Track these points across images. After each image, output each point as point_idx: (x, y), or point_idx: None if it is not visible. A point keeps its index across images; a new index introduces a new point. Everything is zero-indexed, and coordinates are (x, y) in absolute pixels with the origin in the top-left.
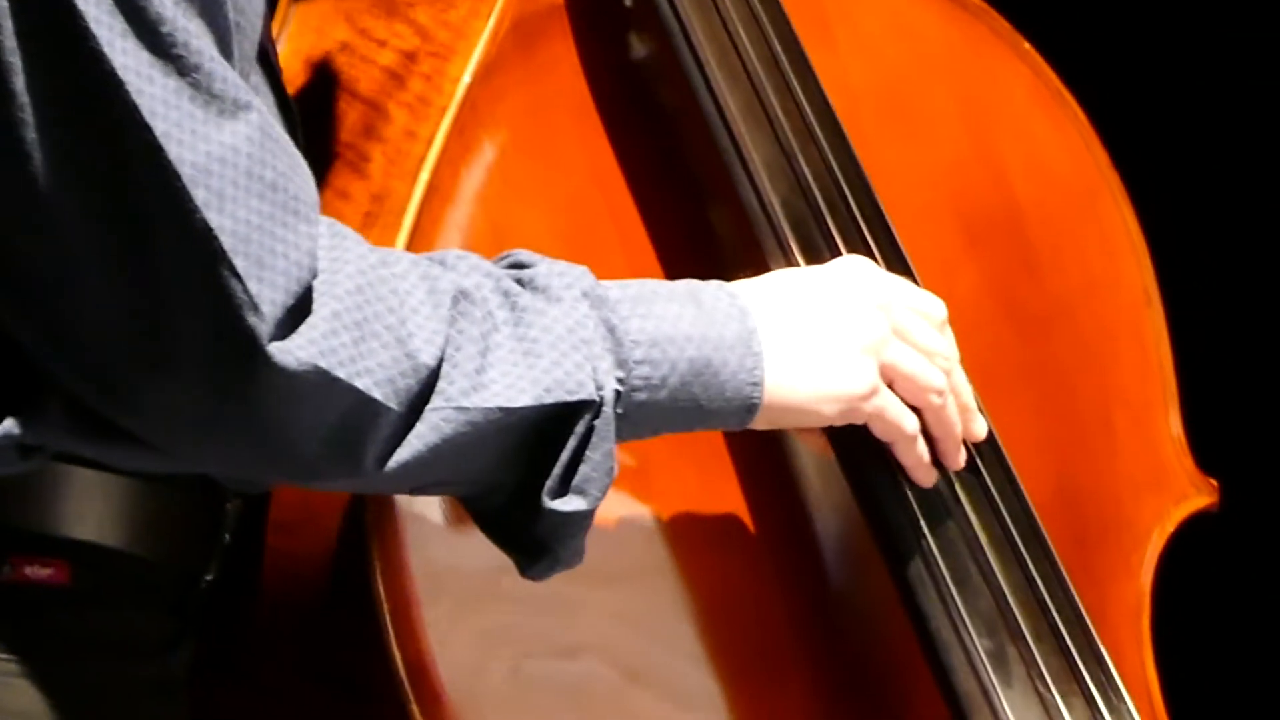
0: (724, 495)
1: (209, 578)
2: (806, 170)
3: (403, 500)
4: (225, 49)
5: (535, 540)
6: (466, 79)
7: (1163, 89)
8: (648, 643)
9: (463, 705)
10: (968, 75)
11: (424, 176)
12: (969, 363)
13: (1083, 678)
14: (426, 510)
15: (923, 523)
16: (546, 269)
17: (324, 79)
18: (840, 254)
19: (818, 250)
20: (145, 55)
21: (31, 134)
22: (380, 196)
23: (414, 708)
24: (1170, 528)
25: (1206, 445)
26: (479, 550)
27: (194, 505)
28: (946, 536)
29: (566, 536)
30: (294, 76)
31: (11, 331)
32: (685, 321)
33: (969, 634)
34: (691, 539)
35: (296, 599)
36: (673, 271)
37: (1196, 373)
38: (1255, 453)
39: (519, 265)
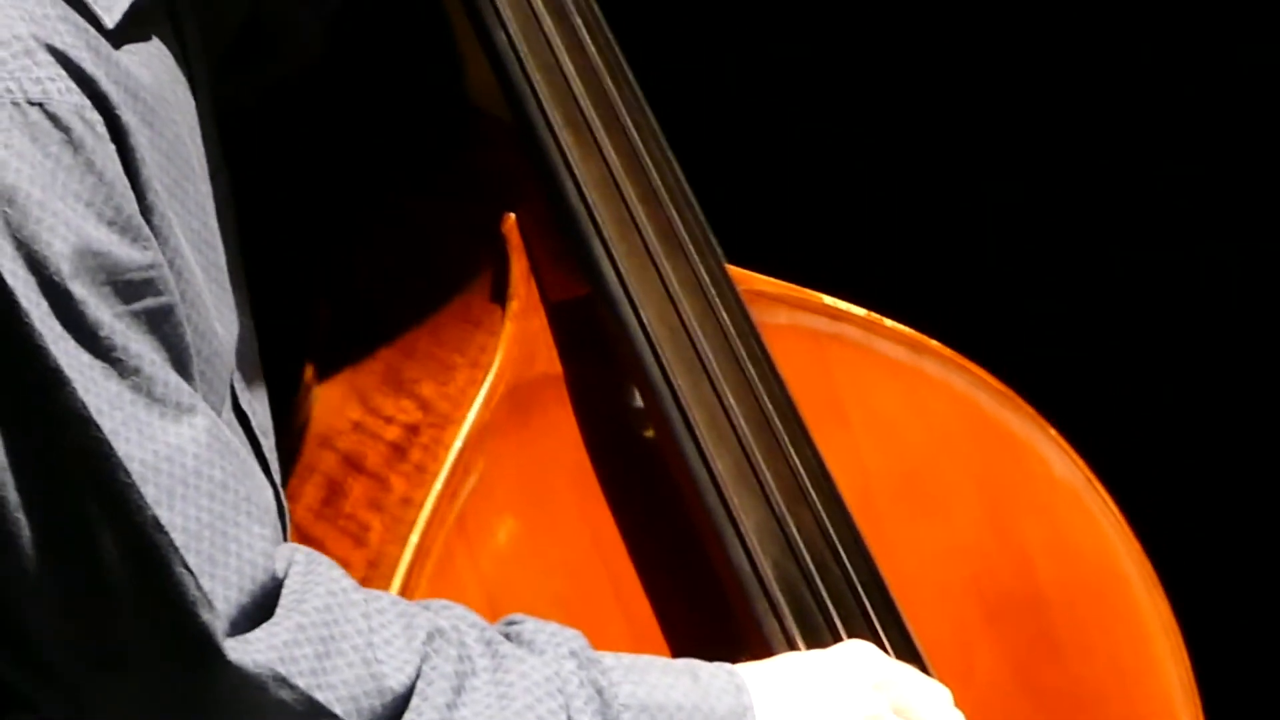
0: None
1: None
2: (797, 534)
3: None
4: (181, 367)
5: None
6: (458, 444)
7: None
8: None
9: None
10: (988, 459)
11: (413, 539)
12: None
13: None
14: None
15: None
16: (535, 625)
17: (336, 459)
18: (832, 618)
19: (810, 614)
20: (85, 357)
21: None
22: (375, 562)
23: None
24: None
25: None
26: None
27: None
28: None
29: None
30: (310, 459)
31: None
32: (678, 691)
33: None
34: None
35: None
36: (675, 638)
37: None
38: None
39: (509, 622)
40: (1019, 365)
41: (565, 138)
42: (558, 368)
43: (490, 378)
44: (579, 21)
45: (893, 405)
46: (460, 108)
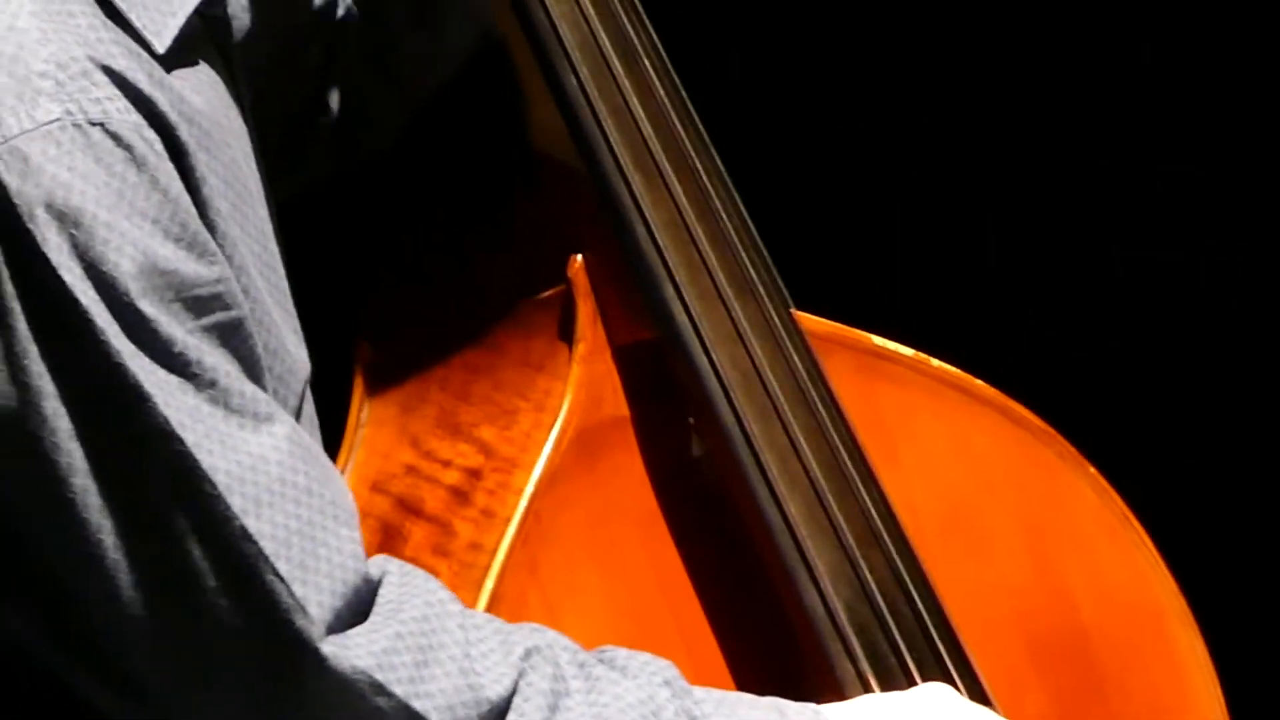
0: None
1: None
2: (870, 576)
3: None
4: (255, 379)
5: None
6: (530, 489)
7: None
8: None
9: None
10: (1031, 497)
11: (489, 585)
12: None
13: None
14: None
15: None
16: (627, 654)
17: (390, 503)
18: (905, 660)
19: (883, 656)
20: (161, 373)
21: (64, 456)
22: None
23: None
24: None
25: None
26: None
27: None
28: None
29: None
30: (362, 504)
31: (38, 654)
32: None
33: None
34: None
35: None
36: (742, 682)
37: None
38: None
39: (601, 650)
40: (1050, 390)
41: (636, 181)
42: (624, 411)
43: (560, 422)
44: (647, 64)
45: (940, 444)
46: (523, 151)
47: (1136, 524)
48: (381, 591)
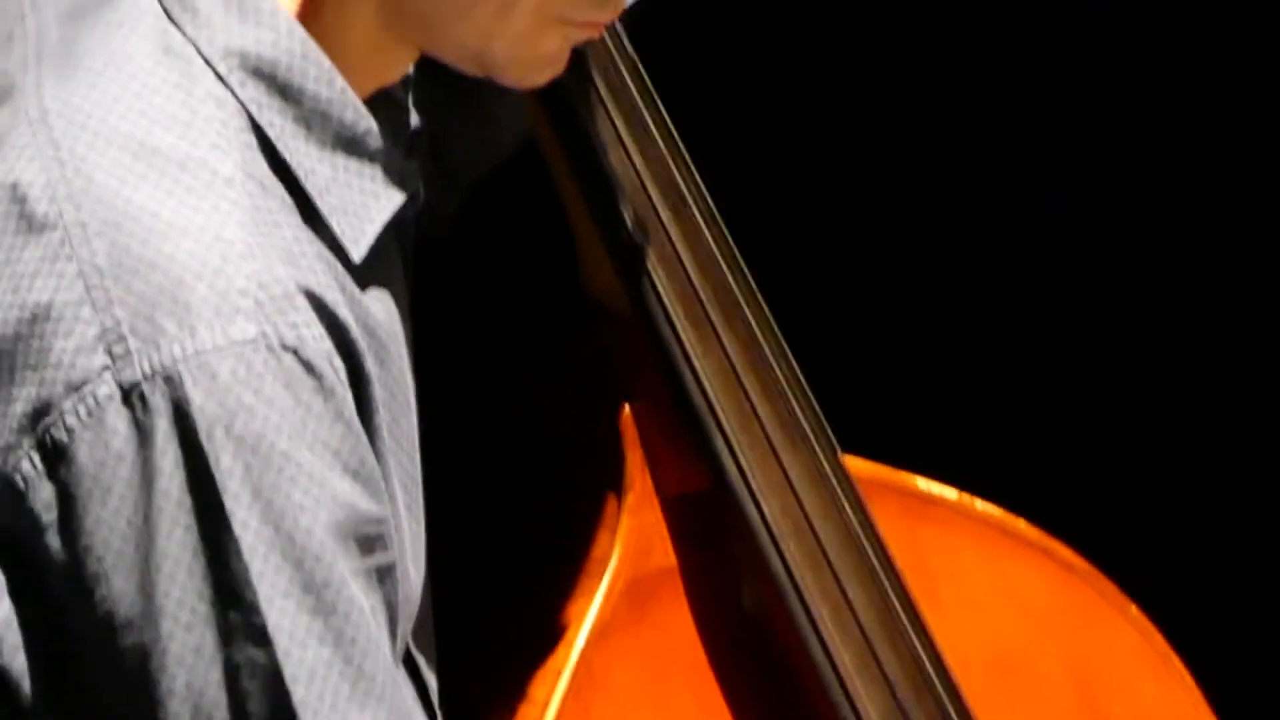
0: None
1: None
2: None
3: None
4: (392, 628)
5: None
6: (581, 641)
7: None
8: None
9: None
10: (1076, 638)
11: None
12: None
13: None
14: None
15: None
16: None
17: None
18: None
19: None
20: (304, 619)
21: (166, 679)
22: None
23: None
24: None
25: None
26: None
27: None
28: None
29: None
30: None
31: None
32: None
33: None
34: None
35: None
36: None
37: None
38: None
39: None
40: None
41: (685, 330)
42: (673, 561)
43: (609, 573)
44: (695, 211)
45: (984, 587)
46: (572, 298)
47: (1178, 663)
48: None
